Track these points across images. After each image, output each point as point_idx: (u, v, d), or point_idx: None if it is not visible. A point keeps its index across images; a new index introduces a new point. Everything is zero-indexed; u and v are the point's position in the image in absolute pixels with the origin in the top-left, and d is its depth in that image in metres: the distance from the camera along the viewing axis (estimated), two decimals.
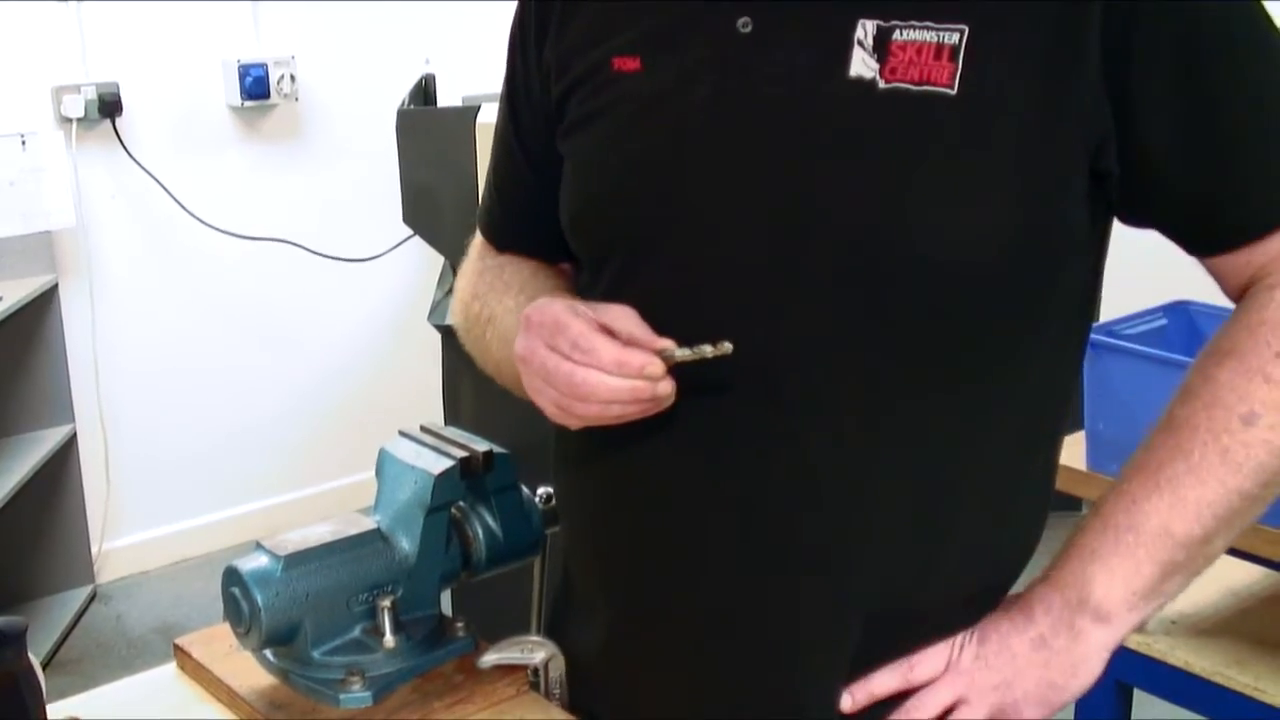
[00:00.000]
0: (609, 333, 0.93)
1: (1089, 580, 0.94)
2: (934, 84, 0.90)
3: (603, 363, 0.91)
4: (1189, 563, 0.94)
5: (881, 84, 0.91)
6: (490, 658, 1.08)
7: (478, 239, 1.22)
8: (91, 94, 3.27)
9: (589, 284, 1.06)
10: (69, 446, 3.31)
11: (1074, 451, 1.92)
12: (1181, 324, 2.02)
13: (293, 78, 3.53)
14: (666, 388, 0.92)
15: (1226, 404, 0.91)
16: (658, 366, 0.91)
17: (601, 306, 0.96)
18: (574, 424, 0.96)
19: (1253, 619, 1.91)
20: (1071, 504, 2.43)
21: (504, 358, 1.08)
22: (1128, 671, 1.86)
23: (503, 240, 1.19)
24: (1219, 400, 0.91)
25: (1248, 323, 0.92)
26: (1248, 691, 1.77)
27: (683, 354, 0.92)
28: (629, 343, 0.92)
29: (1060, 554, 0.98)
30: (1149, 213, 0.95)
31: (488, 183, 1.21)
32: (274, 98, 3.51)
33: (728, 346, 0.91)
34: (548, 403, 0.96)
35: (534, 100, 1.10)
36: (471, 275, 1.18)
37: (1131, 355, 1.86)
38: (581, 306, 0.95)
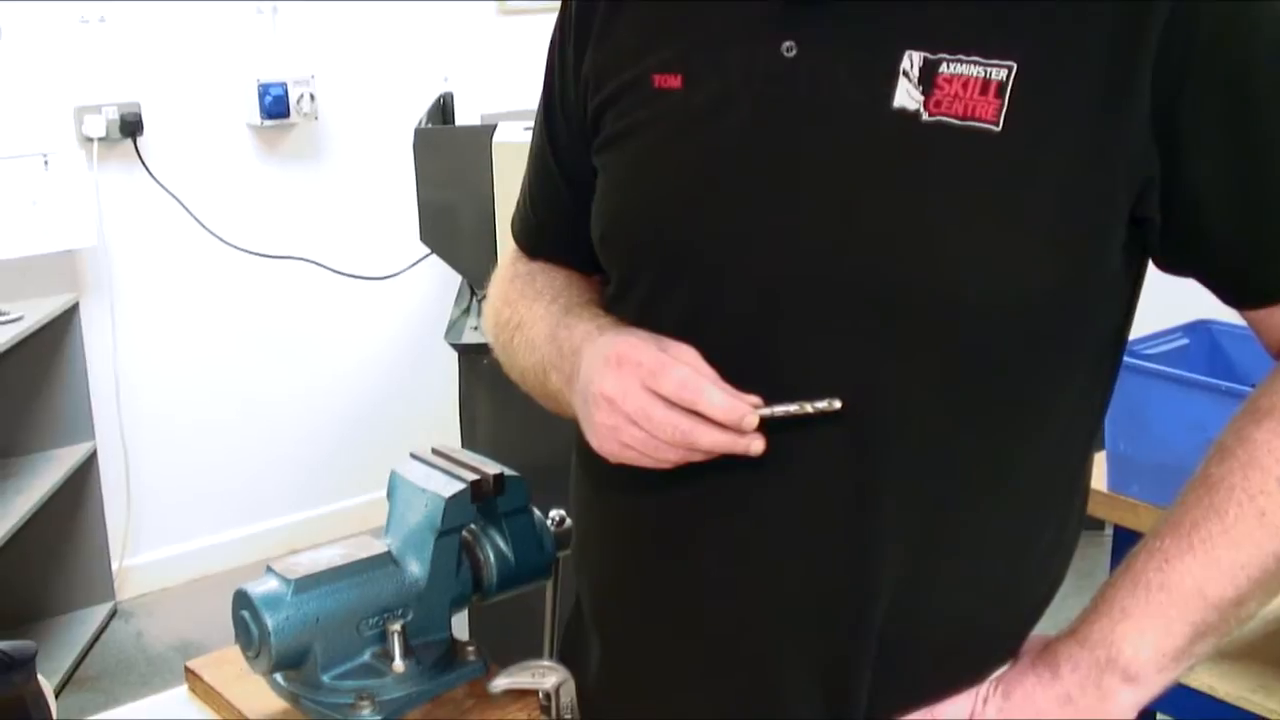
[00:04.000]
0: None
1: (1118, 639, 0.92)
2: (979, 119, 0.88)
3: (712, 411, 0.89)
4: (1221, 624, 0.91)
5: (925, 116, 0.89)
6: (501, 682, 1.07)
7: (511, 245, 1.21)
8: (113, 114, 3.29)
9: (616, 298, 1.05)
10: (89, 464, 3.32)
11: (1095, 472, 1.89)
12: (1203, 343, 2.00)
13: (312, 97, 3.54)
14: (759, 446, 0.90)
15: (1263, 465, 0.89)
16: (754, 419, 0.89)
17: (668, 342, 0.94)
18: (647, 464, 0.94)
19: (1278, 644, 1.88)
20: (1093, 524, 2.40)
21: (529, 365, 1.07)
22: None
23: (535, 248, 1.18)
24: (1255, 461, 0.89)
25: None
26: (1273, 717, 1.75)
27: (783, 410, 0.89)
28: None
29: (1089, 609, 0.95)
30: (1188, 261, 0.93)
31: (523, 189, 1.20)
32: (293, 117, 3.52)
33: (836, 404, 0.88)
34: (629, 442, 0.93)
35: (569, 108, 1.09)
36: (503, 282, 1.18)
37: (1153, 376, 1.84)
38: (665, 342, 0.93)
